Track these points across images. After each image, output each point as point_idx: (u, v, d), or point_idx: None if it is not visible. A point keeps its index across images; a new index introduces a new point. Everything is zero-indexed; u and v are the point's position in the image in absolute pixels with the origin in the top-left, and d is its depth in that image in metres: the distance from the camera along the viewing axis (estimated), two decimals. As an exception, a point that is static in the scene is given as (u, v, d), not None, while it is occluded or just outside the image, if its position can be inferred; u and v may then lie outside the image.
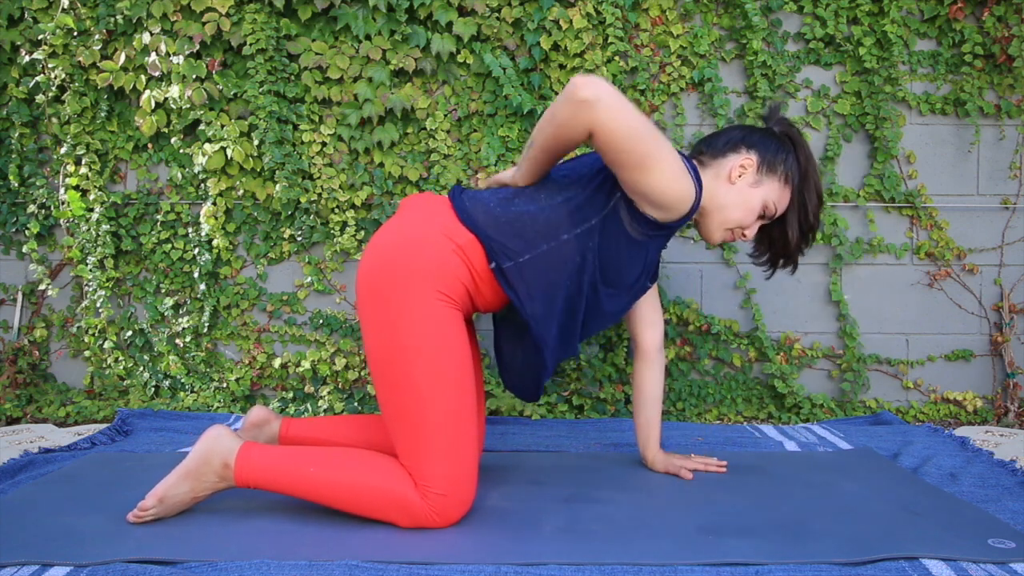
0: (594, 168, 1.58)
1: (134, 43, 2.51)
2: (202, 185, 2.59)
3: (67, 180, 2.58)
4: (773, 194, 1.63)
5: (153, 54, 2.50)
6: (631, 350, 1.94)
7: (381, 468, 1.47)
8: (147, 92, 2.52)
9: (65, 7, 2.51)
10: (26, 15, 2.54)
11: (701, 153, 1.68)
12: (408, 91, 2.51)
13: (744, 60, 2.56)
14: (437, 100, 2.55)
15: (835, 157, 2.56)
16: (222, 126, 2.50)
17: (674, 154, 1.44)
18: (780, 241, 1.69)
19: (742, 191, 1.62)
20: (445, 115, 2.54)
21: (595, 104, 1.34)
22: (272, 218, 2.59)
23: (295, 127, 2.55)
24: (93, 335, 2.62)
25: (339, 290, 2.62)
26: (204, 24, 2.47)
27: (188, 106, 2.50)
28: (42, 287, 2.62)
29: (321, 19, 2.52)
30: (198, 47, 2.50)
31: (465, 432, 1.46)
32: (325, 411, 2.55)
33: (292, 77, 2.53)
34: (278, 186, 2.49)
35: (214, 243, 2.57)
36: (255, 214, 2.58)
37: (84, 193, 2.59)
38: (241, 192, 2.55)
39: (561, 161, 1.69)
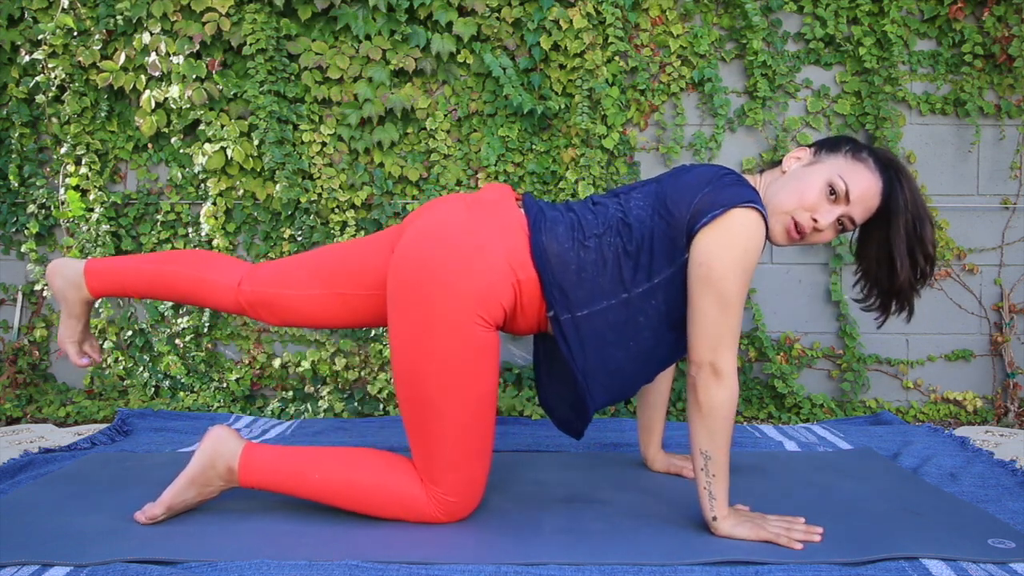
0: (662, 227, 1.43)
1: (134, 43, 2.51)
2: (202, 185, 2.59)
3: (67, 180, 2.58)
4: (836, 168, 1.45)
5: (153, 54, 2.50)
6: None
7: (386, 467, 1.47)
8: (147, 92, 2.52)
9: (65, 7, 2.51)
10: (26, 15, 2.54)
11: (761, 172, 1.58)
12: (408, 91, 2.51)
13: (744, 60, 2.56)
14: (437, 100, 2.55)
15: (835, 157, 2.56)
16: (222, 126, 2.50)
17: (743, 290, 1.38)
18: (895, 282, 1.46)
19: (795, 172, 1.49)
20: (445, 115, 2.54)
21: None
22: (272, 218, 2.59)
23: (295, 127, 2.55)
24: (93, 335, 2.61)
25: (339, 290, 2.62)
26: (204, 24, 2.47)
27: (188, 106, 2.50)
28: (39, 287, 2.61)
29: (321, 19, 2.52)
30: (198, 47, 2.50)
31: (482, 445, 1.45)
32: (325, 411, 2.55)
33: (292, 77, 2.53)
34: (278, 186, 2.49)
35: (214, 243, 2.57)
36: (255, 214, 2.58)
37: (84, 193, 2.59)
38: (241, 192, 2.55)
39: (631, 186, 1.56)
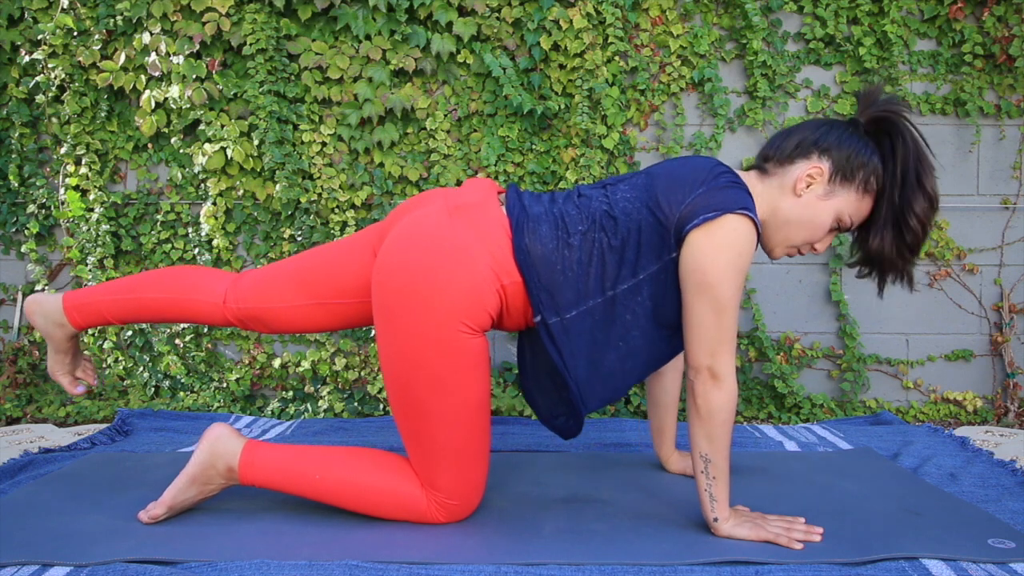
0: (650, 221, 1.41)
1: (134, 43, 2.51)
2: (202, 185, 2.59)
3: (67, 180, 2.58)
4: (848, 206, 1.45)
5: (153, 54, 2.50)
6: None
7: (386, 467, 1.47)
8: (147, 92, 2.52)
9: (65, 7, 2.51)
10: (26, 15, 2.54)
11: (767, 160, 1.49)
12: (408, 91, 2.51)
13: (744, 60, 2.56)
14: (437, 100, 2.55)
15: (835, 157, 2.56)
16: (222, 126, 2.50)
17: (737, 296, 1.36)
18: (876, 253, 1.47)
19: (809, 204, 1.44)
20: (445, 115, 2.54)
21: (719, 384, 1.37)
22: (272, 218, 2.59)
23: (295, 127, 2.55)
24: (93, 335, 2.62)
25: (339, 290, 2.62)
26: (204, 24, 2.47)
27: (188, 106, 2.50)
28: (39, 288, 2.61)
29: (321, 19, 2.53)
30: (198, 47, 2.50)
31: (479, 448, 1.45)
32: (325, 411, 2.55)
33: (292, 77, 2.53)
34: (278, 186, 2.49)
35: (214, 243, 2.57)
36: (255, 214, 2.58)
37: (84, 193, 2.59)
38: (241, 192, 2.55)
39: (618, 181, 1.53)
